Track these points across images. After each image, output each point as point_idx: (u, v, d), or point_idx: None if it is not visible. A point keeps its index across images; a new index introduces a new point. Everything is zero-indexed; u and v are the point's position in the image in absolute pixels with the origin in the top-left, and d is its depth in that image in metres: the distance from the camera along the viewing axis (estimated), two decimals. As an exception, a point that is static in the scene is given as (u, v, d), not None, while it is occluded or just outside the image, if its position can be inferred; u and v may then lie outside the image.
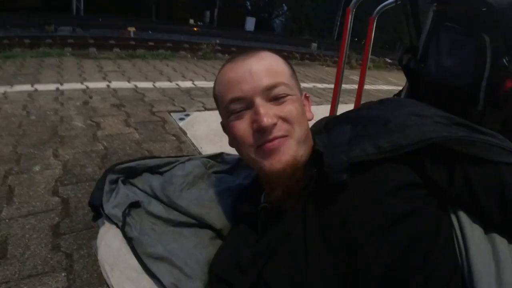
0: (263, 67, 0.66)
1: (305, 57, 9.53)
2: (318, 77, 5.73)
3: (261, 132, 0.63)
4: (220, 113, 0.74)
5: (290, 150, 0.64)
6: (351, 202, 0.59)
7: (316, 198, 0.64)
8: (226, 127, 0.72)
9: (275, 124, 0.63)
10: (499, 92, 0.85)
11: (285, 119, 0.64)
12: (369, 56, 1.71)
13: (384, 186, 0.58)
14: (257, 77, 0.64)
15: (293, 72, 0.74)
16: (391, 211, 0.56)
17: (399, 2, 1.10)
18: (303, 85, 4.80)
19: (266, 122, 0.61)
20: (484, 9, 0.80)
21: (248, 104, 0.65)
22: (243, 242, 0.75)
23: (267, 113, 0.62)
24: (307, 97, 0.79)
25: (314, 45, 15.44)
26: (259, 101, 0.63)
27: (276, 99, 0.65)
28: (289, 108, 0.65)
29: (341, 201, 0.60)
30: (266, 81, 0.64)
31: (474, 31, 0.85)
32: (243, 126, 0.65)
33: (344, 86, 4.84)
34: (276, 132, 0.63)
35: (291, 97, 0.66)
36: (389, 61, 10.41)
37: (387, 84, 6.21)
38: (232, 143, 0.74)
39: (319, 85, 4.91)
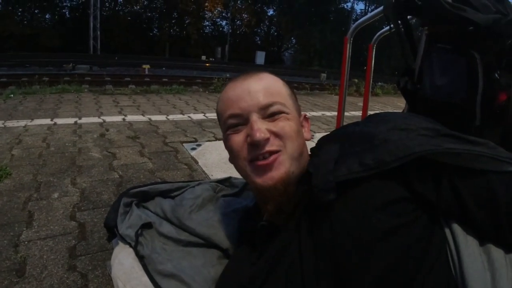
0: (261, 87, 0.70)
1: (314, 87, 9.70)
2: (327, 105, 5.81)
3: (254, 146, 0.65)
4: (221, 129, 0.77)
5: (282, 167, 0.66)
6: (339, 219, 0.59)
7: (309, 215, 0.65)
8: (224, 140, 0.75)
9: (267, 139, 0.65)
10: (494, 105, 0.87)
11: (277, 135, 0.66)
12: (371, 81, 1.76)
13: (371, 202, 0.58)
14: (254, 96, 0.68)
15: (292, 93, 0.76)
16: (379, 227, 0.56)
17: (393, 30, 1.16)
18: (312, 113, 4.87)
19: (258, 136, 0.64)
20: (471, 27, 0.83)
21: (244, 120, 0.68)
22: (245, 261, 0.76)
23: (260, 128, 0.65)
24: (306, 119, 0.81)
25: (323, 75, 15.64)
26: (254, 117, 0.67)
27: (271, 116, 0.68)
28: (281, 124, 0.67)
29: (331, 219, 0.60)
30: (262, 100, 0.68)
31: (464, 49, 0.88)
32: (238, 139, 0.69)
33: (353, 113, 4.92)
34: (268, 147, 0.65)
35: (286, 115, 0.69)
36: (399, 87, 10.44)
37: (396, 109, 6.24)
38: (230, 158, 0.76)
39: (328, 113, 4.97)
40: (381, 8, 1.19)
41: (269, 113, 0.68)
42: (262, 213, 0.72)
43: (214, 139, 3.06)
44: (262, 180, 0.66)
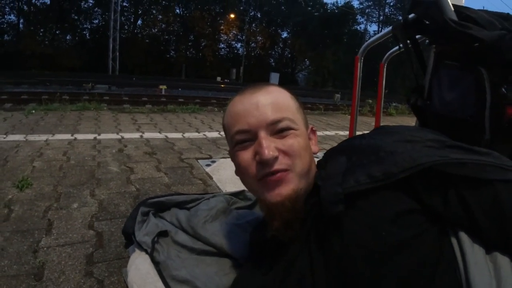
0: (269, 101, 0.69)
1: (328, 108, 9.73)
2: (340, 125, 5.81)
3: (263, 164, 0.65)
4: (228, 142, 0.77)
5: (291, 184, 0.66)
6: (349, 232, 0.60)
7: (318, 228, 0.65)
8: (232, 156, 0.75)
9: (276, 158, 0.65)
10: (503, 120, 0.88)
11: (286, 153, 0.66)
12: (383, 99, 1.78)
13: (381, 214, 0.58)
14: (263, 111, 0.67)
15: (300, 107, 0.76)
16: (390, 240, 0.56)
17: (402, 49, 1.20)
18: (326, 132, 4.88)
19: (267, 155, 0.63)
20: (477, 44, 0.85)
21: (252, 136, 0.67)
22: (256, 271, 0.76)
23: (269, 146, 0.64)
24: (313, 131, 0.80)
25: (337, 96, 15.65)
26: (262, 134, 0.66)
27: (279, 133, 0.67)
28: (290, 142, 0.67)
29: (340, 231, 0.61)
30: (271, 116, 0.67)
31: (471, 65, 0.90)
32: (246, 156, 0.68)
33: (366, 132, 4.87)
34: (277, 165, 0.65)
35: (294, 132, 0.68)
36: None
37: (411, 131, 6.18)
38: (237, 171, 0.75)
39: (341, 133, 4.97)
40: (390, 28, 1.23)
41: (277, 129, 0.67)
42: (269, 229, 0.72)
43: (228, 156, 3.09)
44: (271, 196, 0.66)
